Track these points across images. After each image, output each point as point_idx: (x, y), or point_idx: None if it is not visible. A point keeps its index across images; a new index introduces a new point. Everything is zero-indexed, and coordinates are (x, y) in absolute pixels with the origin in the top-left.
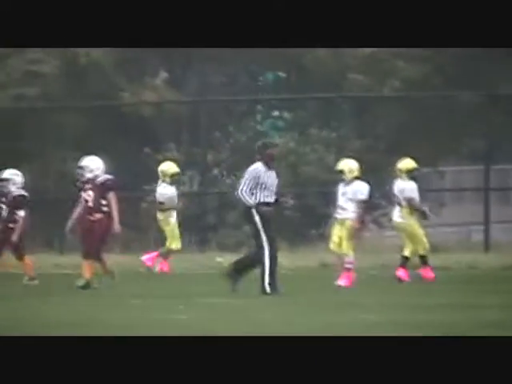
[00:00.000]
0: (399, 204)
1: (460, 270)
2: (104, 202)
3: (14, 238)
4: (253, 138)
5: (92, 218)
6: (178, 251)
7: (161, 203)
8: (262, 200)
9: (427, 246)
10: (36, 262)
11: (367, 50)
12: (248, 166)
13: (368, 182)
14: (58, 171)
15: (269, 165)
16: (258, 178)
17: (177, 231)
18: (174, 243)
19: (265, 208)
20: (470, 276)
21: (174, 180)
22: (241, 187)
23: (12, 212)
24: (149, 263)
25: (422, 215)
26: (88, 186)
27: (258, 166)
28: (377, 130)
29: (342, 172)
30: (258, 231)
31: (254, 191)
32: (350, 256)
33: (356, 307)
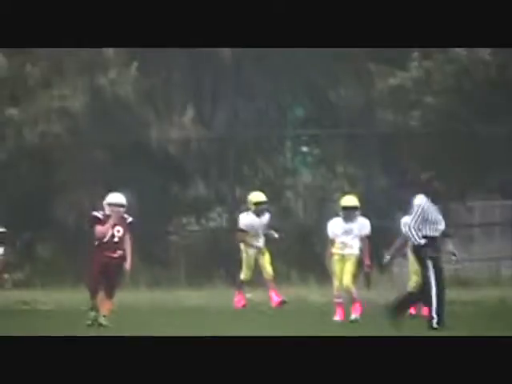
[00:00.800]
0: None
1: (490, 305)
2: (126, 241)
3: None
4: (282, 174)
5: (114, 255)
6: (245, 281)
7: (241, 230)
8: (429, 234)
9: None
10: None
11: (394, 83)
12: (276, 200)
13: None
14: (89, 206)
15: (434, 199)
16: (425, 212)
17: (252, 263)
18: (244, 273)
19: (432, 250)
20: (500, 310)
21: (258, 209)
22: (409, 223)
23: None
24: (240, 304)
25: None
26: (116, 221)
27: (423, 200)
28: (402, 164)
29: (352, 208)
30: (425, 272)
31: (421, 226)
32: (353, 289)
33: None
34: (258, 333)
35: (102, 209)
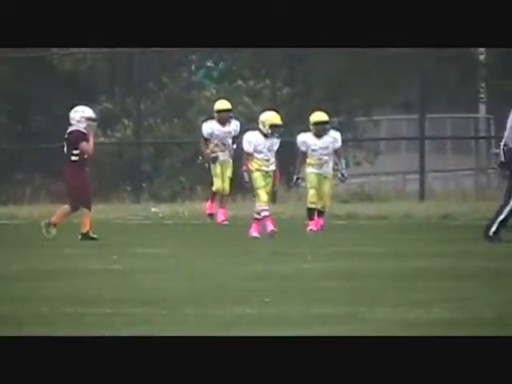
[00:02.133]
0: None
1: (395, 219)
2: None
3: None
4: (186, 88)
5: (88, 169)
6: (218, 193)
7: (205, 139)
8: None
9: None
10: None
11: None
12: (181, 114)
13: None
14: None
15: None
16: None
17: (219, 172)
18: (215, 183)
19: None
20: (405, 225)
21: (221, 117)
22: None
23: None
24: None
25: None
26: (87, 136)
27: None
28: (309, 79)
29: (277, 126)
30: None
31: None
32: (267, 205)
33: (295, 257)
34: (158, 246)
35: (68, 121)
